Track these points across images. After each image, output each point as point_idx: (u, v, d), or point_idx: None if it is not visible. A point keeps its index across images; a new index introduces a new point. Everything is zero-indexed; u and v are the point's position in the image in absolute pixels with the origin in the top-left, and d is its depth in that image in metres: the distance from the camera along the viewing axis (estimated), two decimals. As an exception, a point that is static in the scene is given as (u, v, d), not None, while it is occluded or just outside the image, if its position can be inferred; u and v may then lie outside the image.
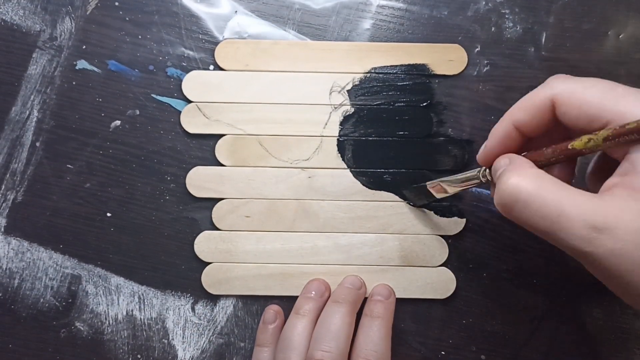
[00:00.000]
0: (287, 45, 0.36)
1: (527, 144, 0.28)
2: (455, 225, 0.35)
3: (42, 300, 0.36)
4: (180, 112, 0.36)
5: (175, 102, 0.36)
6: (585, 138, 0.24)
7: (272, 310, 0.35)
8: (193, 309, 0.36)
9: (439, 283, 0.35)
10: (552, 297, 0.35)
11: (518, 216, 0.24)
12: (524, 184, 0.24)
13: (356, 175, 0.35)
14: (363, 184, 0.35)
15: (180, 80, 0.36)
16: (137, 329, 0.35)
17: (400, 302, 0.35)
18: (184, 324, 0.35)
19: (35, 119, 0.36)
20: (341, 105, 0.36)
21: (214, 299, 0.36)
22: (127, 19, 0.36)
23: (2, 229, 0.36)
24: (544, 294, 0.35)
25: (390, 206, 0.35)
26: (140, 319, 0.35)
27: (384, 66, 0.36)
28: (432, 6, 0.36)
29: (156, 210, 0.36)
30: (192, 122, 0.35)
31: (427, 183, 0.33)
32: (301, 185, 0.35)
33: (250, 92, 0.36)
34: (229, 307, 0.36)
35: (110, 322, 0.35)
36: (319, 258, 0.35)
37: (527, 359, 0.35)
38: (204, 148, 0.36)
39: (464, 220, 0.35)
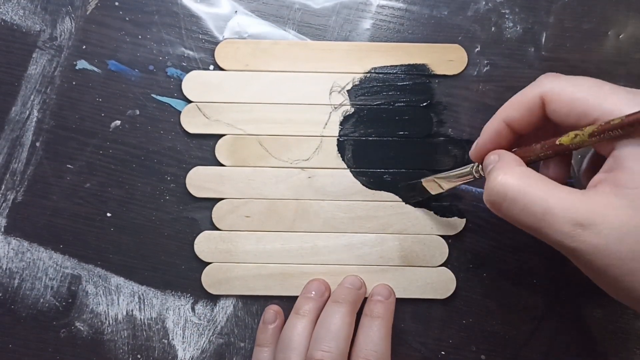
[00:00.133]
0: (287, 45, 0.36)
1: (518, 140, 0.29)
2: (455, 225, 0.35)
3: (42, 300, 0.36)
4: (180, 112, 0.36)
5: (175, 102, 0.36)
6: (572, 134, 0.25)
7: (272, 310, 0.35)
8: (193, 309, 0.36)
9: (439, 283, 0.35)
10: (552, 297, 0.35)
11: (506, 213, 0.25)
12: (511, 181, 0.24)
13: (356, 175, 0.35)
14: (363, 184, 0.35)
15: (180, 80, 0.36)
16: (137, 329, 0.35)
17: (400, 302, 0.35)
18: (184, 324, 0.35)
19: (35, 119, 0.36)
20: (341, 105, 0.36)
21: (214, 299, 0.36)
22: (127, 19, 0.36)
23: (2, 229, 0.36)
24: (544, 294, 0.35)
25: (390, 206, 0.35)
26: (140, 319, 0.35)
27: (384, 66, 0.36)
28: (432, 6, 0.36)
29: (156, 210, 0.36)
30: (192, 122, 0.35)
31: (422, 180, 0.34)
32: (301, 185, 0.35)
33: (250, 92, 0.36)
34: (229, 307, 0.36)
35: (110, 322, 0.35)
36: (319, 258, 0.35)
37: (527, 359, 0.35)
38: (204, 148, 0.36)
39: (464, 220, 0.35)
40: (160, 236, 0.36)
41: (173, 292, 0.36)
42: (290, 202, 0.35)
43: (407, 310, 0.35)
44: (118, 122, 0.36)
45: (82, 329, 0.35)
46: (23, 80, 0.36)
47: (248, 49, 0.36)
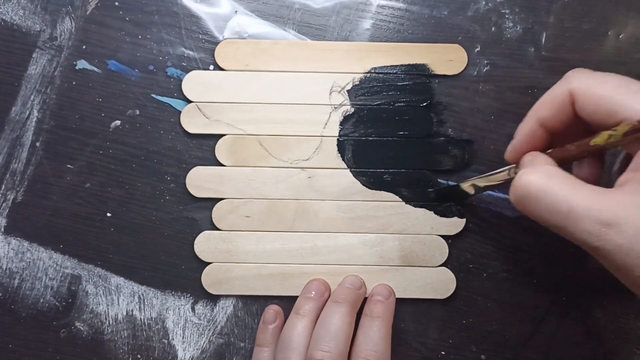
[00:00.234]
0: (287, 45, 0.36)
1: (552, 139, 0.28)
2: (455, 225, 0.35)
3: (42, 300, 0.36)
4: (180, 112, 0.36)
5: (175, 102, 0.36)
6: (605, 134, 0.24)
7: (272, 310, 0.35)
8: (193, 309, 0.36)
9: (439, 283, 0.35)
10: (552, 297, 0.35)
11: (530, 211, 0.25)
12: (534, 179, 0.24)
13: (356, 175, 0.35)
14: (363, 184, 0.35)
15: (180, 80, 0.36)
16: (137, 329, 0.35)
17: (400, 302, 0.35)
18: (184, 324, 0.35)
19: (35, 119, 0.36)
20: (341, 105, 0.36)
21: (214, 299, 0.36)
22: (127, 19, 0.36)
23: (2, 229, 0.36)
24: (544, 294, 0.35)
25: (390, 206, 0.35)
26: (140, 319, 0.35)
27: (384, 66, 0.36)
28: (432, 6, 0.36)
29: (156, 210, 0.36)
30: (192, 122, 0.35)
31: (460, 184, 0.34)
32: (301, 185, 0.35)
33: (250, 92, 0.36)
34: (229, 307, 0.36)
35: (110, 322, 0.35)
36: (319, 258, 0.35)
37: (527, 359, 0.35)
38: (204, 148, 0.36)
39: (464, 220, 0.35)
40: (160, 236, 0.36)
41: (173, 292, 0.36)
42: (290, 202, 0.35)
43: (407, 310, 0.35)
44: (118, 122, 0.36)
45: (82, 329, 0.35)
46: (23, 80, 0.36)
47: (248, 49, 0.36)
